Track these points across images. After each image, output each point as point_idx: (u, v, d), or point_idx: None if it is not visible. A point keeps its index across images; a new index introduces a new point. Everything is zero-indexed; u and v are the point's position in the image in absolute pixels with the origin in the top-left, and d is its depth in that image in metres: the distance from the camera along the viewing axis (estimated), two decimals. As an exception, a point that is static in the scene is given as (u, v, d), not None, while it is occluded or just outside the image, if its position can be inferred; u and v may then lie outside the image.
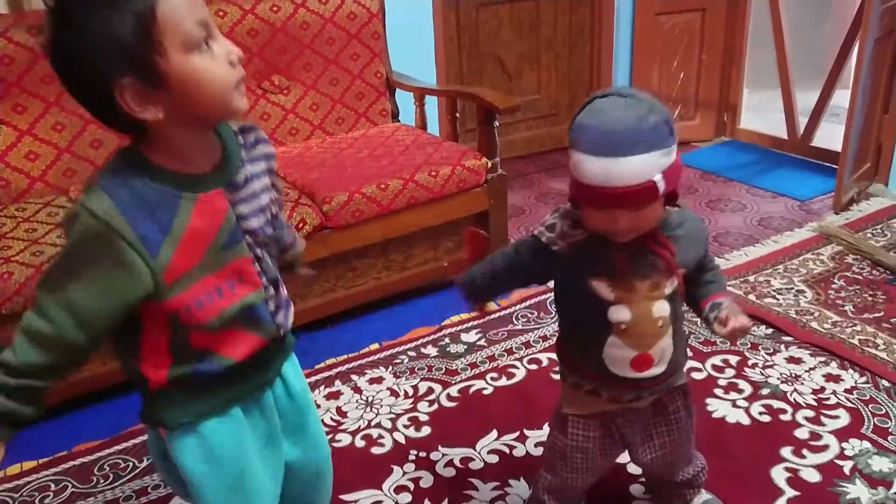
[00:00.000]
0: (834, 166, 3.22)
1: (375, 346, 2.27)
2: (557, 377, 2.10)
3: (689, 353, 2.12)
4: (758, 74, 4.15)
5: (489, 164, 2.51)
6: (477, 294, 1.44)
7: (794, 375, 2.03)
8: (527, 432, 1.85)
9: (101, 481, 1.76)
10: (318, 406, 1.99)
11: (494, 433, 1.86)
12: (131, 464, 1.81)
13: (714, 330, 1.24)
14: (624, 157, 1.05)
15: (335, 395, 2.04)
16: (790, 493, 1.62)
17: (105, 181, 0.93)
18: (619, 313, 1.20)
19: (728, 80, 3.94)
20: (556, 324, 1.41)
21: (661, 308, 1.21)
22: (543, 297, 2.50)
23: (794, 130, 3.75)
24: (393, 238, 2.41)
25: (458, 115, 2.77)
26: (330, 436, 1.87)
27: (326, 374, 2.13)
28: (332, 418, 1.94)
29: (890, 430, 1.80)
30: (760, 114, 4.18)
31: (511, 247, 1.32)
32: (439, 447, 1.82)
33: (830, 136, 3.56)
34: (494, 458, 1.78)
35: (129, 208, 0.92)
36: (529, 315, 2.40)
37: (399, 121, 2.93)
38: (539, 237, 1.22)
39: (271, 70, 2.66)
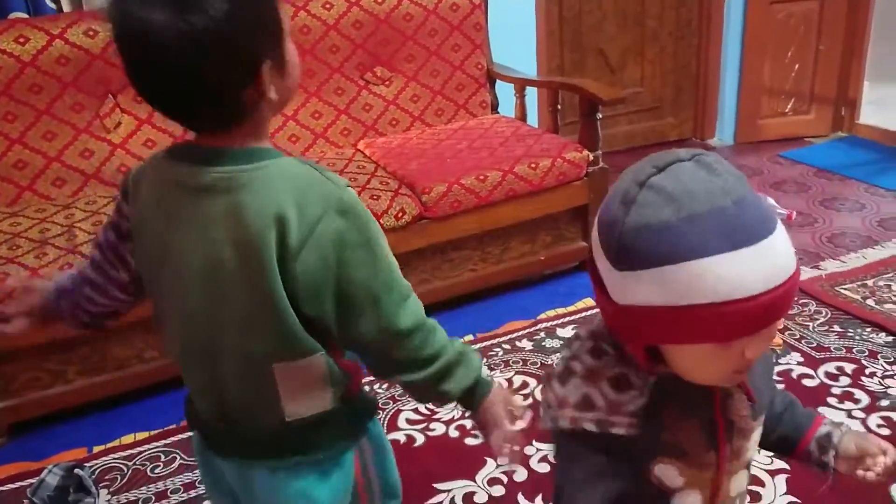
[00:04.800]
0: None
1: (470, 337, 2.27)
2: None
3: (801, 360, 2.02)
4: (880, 67, 3.89)
5: (590, 157, 2.45)
6: None
7: (917, 387, 1.89)
8: (624, 432, 1.80)
9: (207, 455, 1.84)
10: (413, 394, 2.01)
11: (590, 431, 1.82)
12: (234, 440, 1.88)
13: (843, 471, 0.89)
14: (770, 235, 0.66)
15: (429, 385, 2.04)
16: None
17: (309, 164, 0.90)
18: (687, 502, 0.81)
19: (847, 73, 3.71)
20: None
21: (740, 481, 0.84)
22: (643, 294, 2.43)
23: (921, 126, 3.50)
24: (490, 230, 2.39)
25: (558, 107, 2.73)
26: (424, 425, 1.89)
27: (421, 363, 2.15)
28: (426, 407, 1.95)
29: None
30: (882, 109, 3.91)
31: (581, 477, 0.79)
32: (534, 442, 1.80)
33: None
34: (590, 457, 1.74)
35: None
36: (628, 313, 2.33)
37: (499, 112, 2.92)
38: (576, 427, 0.75)
39: (374, 61, 2.69)
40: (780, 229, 0.68)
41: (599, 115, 2.47)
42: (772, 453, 0.89)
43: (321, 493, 1.01)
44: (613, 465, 0.76)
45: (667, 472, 0.78)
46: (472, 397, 1.00)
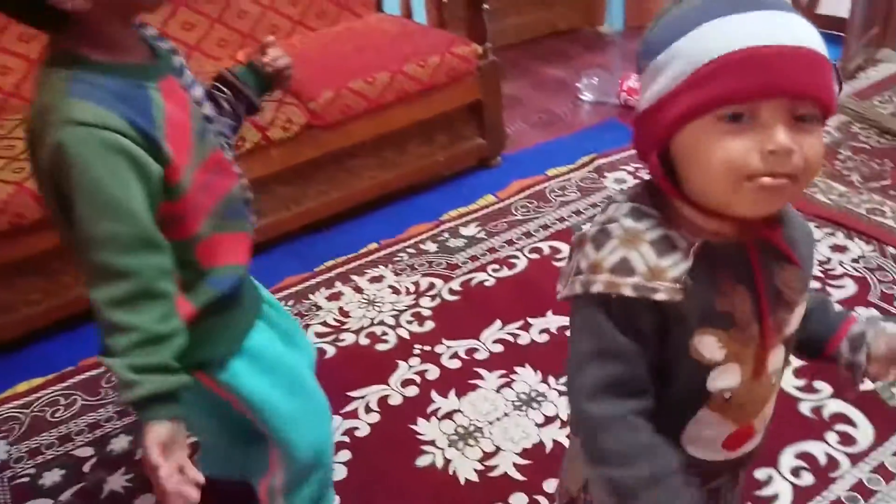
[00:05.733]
0: (841, 34, 3.08)
1: (374, 245, 2.24)
2: (560, 264, 2.07)
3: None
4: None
5: (480, 51, 2.40)
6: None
7: (799, 249, 2.00)
8: (530, 320, 1.84)
9: (110, 392, 1.77)
10: (321, 308, 1.98)
11: (498, 323, 1.85)
12: (138, 374, 1.82)
13: (873, 375, 0.82)
14: (788, 11, 0.65)
15: (336, 297, 2.02)
16: (795, 362, 1.62)
17: (71, 87, 0.82)
18: (726, 378, 0.75)
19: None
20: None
21: (778, 357, 0.78)
22: (542, 186, 2.44)
23: (799, -1, 3.57)
24: (385, 134, 2.33)
25: (444, 1, 2.64)
26: (333, 336, 1.87)
27: (326, 276, 2.11)
28: (334, 319, 1.93)
29: (897, 296, 1.78)
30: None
31: (587, 348, 0.73)
32: (443, 340, 1.82)
33: (837, 1, 3.39)
34: (499, 348, 1.77)
35: (115, 105, 0.82)
36: (529, 205, 2.35)
37: (383, 11, 2.80)
38: (611, 293, 0.69)
39: (244, -37, 2.51)
40: (807, 22, 0.65)
41: (486, 6, 2.40)
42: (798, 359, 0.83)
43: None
44: (625, 346, 0.71)
45: (708, 344, 0.72)
46: (138, 411, 0.88)
